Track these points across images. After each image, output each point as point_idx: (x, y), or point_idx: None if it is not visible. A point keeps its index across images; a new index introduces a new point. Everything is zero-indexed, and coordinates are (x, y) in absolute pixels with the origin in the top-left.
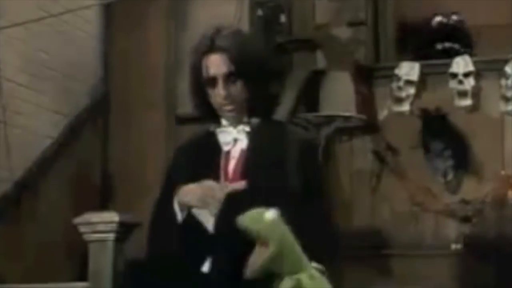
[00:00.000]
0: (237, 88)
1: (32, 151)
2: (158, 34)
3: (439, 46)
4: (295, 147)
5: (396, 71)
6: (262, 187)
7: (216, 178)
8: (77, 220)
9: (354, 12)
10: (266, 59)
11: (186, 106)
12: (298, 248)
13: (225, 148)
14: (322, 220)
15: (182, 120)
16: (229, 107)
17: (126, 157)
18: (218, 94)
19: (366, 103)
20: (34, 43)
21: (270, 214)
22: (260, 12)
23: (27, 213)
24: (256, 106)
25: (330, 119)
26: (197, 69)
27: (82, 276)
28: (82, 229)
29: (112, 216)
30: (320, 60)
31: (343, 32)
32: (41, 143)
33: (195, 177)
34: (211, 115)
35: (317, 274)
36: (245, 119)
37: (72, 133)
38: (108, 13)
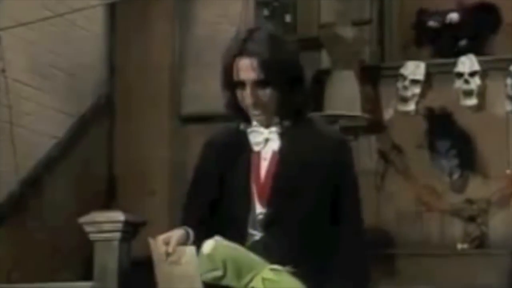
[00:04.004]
0: (266, 94)
1: (37, 151)
2: (163, 34)
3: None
4: (329, 147)
5: (402, 71)
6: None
7: (246, 179)
8: (83, 219)
9: (359, 12)
10: (297, 65)
11: (190, 106)
12: (247, 260)
13: (256, 148)
14: (357, 240)
15: (186, 120)
16: (256, 112)
17: (131, 157)
18: (246, 99)
19: (371, 102)
20: (40, 43)
21: (205, 247)
22: (265, 11)
23: (32, 212)
24: (287, 110)
25: (335, 118)
26: (228, 70)
27: (87, 275)
28: (87, 228)
29: (118, 216)
30: (325, 59)
31: (348, 32)
32: (46, 143)
33: (225, 178)
34: (241, 114)
35: (271, 276)
36: (277, 119)
37: (77, 133)
38: (113, 13)
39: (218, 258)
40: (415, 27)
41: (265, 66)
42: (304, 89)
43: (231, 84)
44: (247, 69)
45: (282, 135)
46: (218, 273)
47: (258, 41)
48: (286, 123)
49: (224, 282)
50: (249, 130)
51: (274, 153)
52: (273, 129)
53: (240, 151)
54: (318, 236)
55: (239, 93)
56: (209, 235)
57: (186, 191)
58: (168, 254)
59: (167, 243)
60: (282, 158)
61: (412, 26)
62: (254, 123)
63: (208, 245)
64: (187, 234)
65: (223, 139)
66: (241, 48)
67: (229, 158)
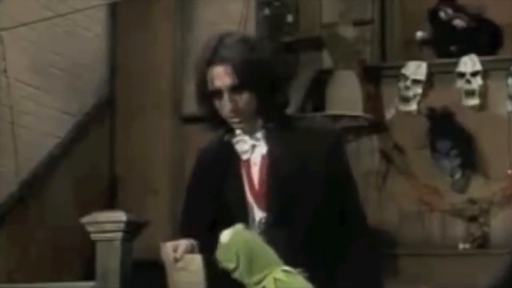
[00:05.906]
0: (243, 99)
1: (38, 151)
2: (163, 34)
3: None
4: (318, 142)
5: (403, 71)
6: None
7: (241, 190)
8: (84, 219)
9: (361, 12)
10: (272, 66)
11: (191, 106)
12: (261, 257)
13: (244, 156)
14: (360, 238)
15: (187, 120)
16: (236, 119)
17: (132, 157)
18: (224, 107)
19: (373, 102)
20: (41, 43)
21: (223, 236)
22: (267, 11)
23: (34, 212)
24: (269, 112)
25: (337, 118)
26: (202, 80)
27: (88, 275)
28: (89, 228)
29: (120, 216)
30: (327, 59)
31: (349, 32)
32: (48, 143)
33: (219, 195)
34: (221, 124)
35: (283, 277)
36: (260, 123)
37: (79, 133)
38: (114, 13)
39: (233, 250)
40: (430, 12)
41: (238, 70)
42: (284, 89)
43: (207, 94)
44: (221, 76)
45: (268, 139)
46: (231, 265)
47: (229, 46)
48: (270, 125)
49: (236, 274)
50: (234, 140)
51: (263, 157)
52: (258, 134)
53: (229, 163)
54: (322, 237)
55: (216, 102)
56: (210, 250)
57: (181, 210)
58: (176, 260)
59: (175, 249)
60: (271, 160)
61: (428, 11)
62: (238, 131)
63: (226, 234)
64: (192, 246)
65: (211, 155)
66: (213, 56)
67: (219, 174)
